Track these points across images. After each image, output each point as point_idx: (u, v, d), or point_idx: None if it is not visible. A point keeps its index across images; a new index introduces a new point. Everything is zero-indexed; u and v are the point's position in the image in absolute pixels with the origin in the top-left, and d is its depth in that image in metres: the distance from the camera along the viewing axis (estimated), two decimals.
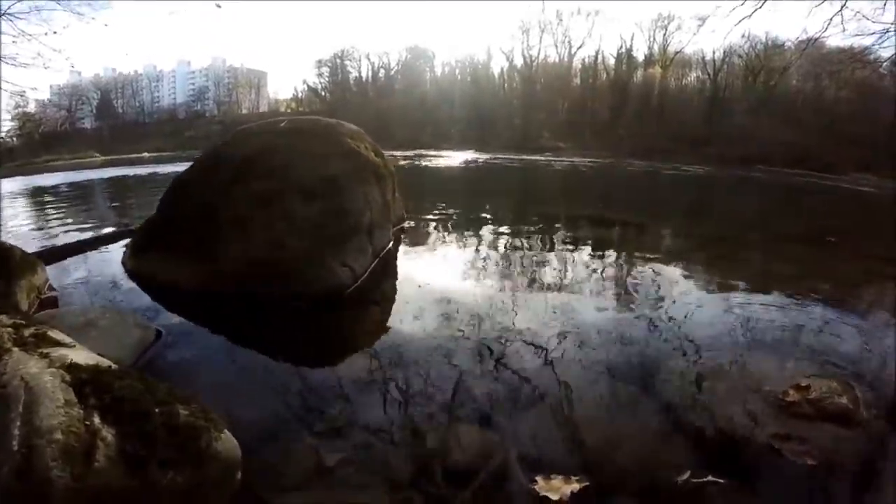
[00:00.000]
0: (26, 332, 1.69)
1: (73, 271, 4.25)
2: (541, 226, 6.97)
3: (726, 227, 7.90)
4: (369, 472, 1.84)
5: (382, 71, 44.51)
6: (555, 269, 4.64)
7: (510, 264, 4.80)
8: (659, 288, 4.06)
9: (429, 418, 2.17)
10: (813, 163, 23.00)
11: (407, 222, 6.24)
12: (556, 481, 1.76)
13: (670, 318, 3.34)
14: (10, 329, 1.69)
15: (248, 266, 3.55)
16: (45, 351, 1.56)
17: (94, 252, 4.90)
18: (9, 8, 5.14)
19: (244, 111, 46.69)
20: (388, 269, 4.44)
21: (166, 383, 1.61)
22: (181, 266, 3.71)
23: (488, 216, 7.56)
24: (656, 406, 2.31)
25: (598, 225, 7.13)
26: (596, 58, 38.82)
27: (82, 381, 1.41)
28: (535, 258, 5.01)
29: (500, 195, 11.34)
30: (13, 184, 13.87)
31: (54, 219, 7.39)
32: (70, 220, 6.99)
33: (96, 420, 1.31)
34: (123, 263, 4.29)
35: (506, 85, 41.50)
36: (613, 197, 11.98)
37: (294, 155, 4.27)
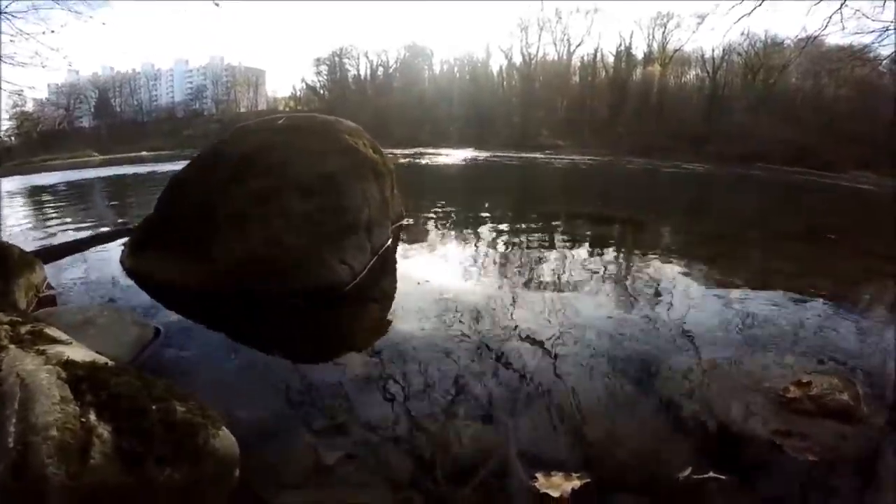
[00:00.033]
0: (23, 330, 1.68)
1: (71, 270, 4.24)
2: (540, 223, 6.95)
3: (726, 224, 7.90)
4: (369, 469, 1.83)
5: (381, 69, 44.50)
6: (554, 266, 4.63)
7: (509, 262, 4.79)
8: (658, 285, 4.05)
9: (428, 416, 2.16)
10: (812, 161, 23.06)
11: (406, 220, 6.22)
12: (557, 478, 1.75)
13: (670, 316, 3.34)
14: (6, 326, 1.68)
15: (246, 264, 3.54)
16: (41, 348, 1.55)
17: (92, 251, 4.89)
18: (6, 7, 5.12)
19: (242, 110, 46.58)
20: (386, 266, 4.43)
21: (163, 380, 1.60)
22: (179, 264, 3.69)
23: (487, 214, 7.54)
24: (657, 403, 2.31)
25: (598, 223, 7.11)
26: (595, 56, 38.93)
27: (78, 377, 1.40)
28: (534, 256, 4.99)
29: (499, 193, 11.32)
30: (11, 183, 13.85)
31: (52, 218, 7.38)
32: (68, 219, 6.97)
33: (92, 417, 1.30)
34: (122, 262, 4.27)
35: (504, 83, 41.47)
36: (612, 195, 11.96)
37: (292, 152, 4.25)
